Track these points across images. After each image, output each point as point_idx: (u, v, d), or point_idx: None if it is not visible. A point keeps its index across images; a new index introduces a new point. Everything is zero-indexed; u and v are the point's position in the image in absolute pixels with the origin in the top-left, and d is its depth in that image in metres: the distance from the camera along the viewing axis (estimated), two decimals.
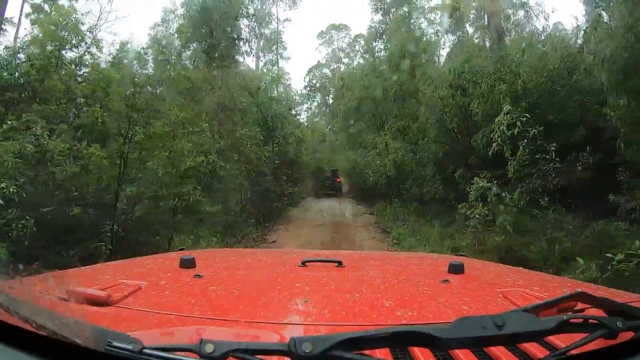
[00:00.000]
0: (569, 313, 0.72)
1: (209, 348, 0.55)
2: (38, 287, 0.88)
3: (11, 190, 3.52)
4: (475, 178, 6.06)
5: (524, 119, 5.55)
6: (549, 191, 5.40)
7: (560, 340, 0.70)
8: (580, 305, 0.77)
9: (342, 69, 30.82)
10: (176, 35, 12.06)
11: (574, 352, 0.64)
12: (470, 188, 6.18)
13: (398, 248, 7.71)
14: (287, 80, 20.29)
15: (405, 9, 23.35)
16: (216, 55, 10.65)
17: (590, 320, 0.66)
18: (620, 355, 0.65)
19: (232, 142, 7.24)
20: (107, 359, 0.58)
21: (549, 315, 0.67)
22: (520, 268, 1.68)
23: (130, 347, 0.58)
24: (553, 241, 5.38)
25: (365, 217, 12.46)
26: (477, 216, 5.85)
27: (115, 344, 0.58)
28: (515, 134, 5.49)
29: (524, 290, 1.08)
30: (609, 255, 3.96)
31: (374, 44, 24.48)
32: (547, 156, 5.49)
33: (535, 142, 5.47)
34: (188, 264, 1.25)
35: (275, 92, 14.04)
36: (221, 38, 10.97)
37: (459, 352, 0.68)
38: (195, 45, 10.94)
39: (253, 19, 14.89)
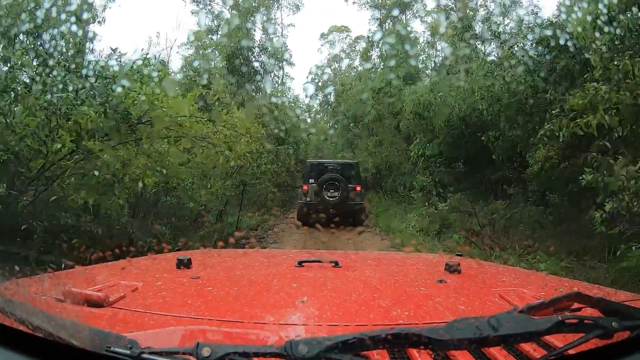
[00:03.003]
0: (565, 313, 0.73)
1: (205, 352, 0.57)
2: (34, 288, 0.94)
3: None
4: (417, 175, 10.10)
5: (423, 146, 9.69)
6: (445, 184, 9.52)
7: (557, 340, 0.72)
8: (576, 305, 0.78)
9: (342, 68, 34.51)
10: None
11: (570, 351, 0.66)
12: (415, 181, 10.25)
13: (376, 221, 11.72)
14: (296, 92, 22.99)
15: (398, 14, 26.59)
16: (246, 83, 14.73)
17: (586, 321, 0.67)
18: (617, 355, 0.66)
19: (276, 153, 11.35)
20: None
21: (544, 316, 0.69)
22: (517, 267, 1.89)
23: (128, 351, 0.59)
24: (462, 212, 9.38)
25: None
26: (419, 198, 9.94)
27: (113, 348, 0.60)
28: (419, 154, 9.65)
29: (520, 290, 1.13)
30: None
31: (371, 53, 28.20)
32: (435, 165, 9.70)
33: (429, 159, 9.61)
34: (184, 264, 1.29)
35: (287, 102, 18.07)
36: (250, 69, 15.00)
37: (455, 353, 0.70)
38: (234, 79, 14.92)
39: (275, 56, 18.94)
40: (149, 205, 5.76)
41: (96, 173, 3.93)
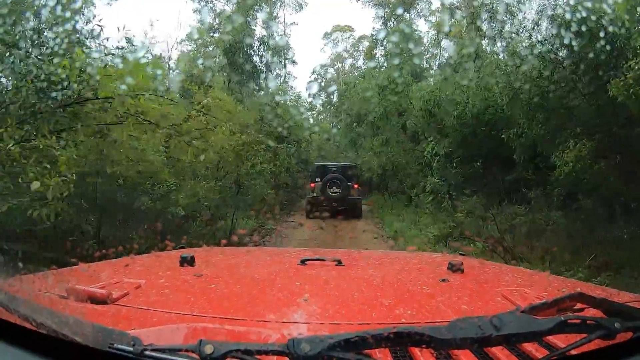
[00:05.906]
0: (568, 313, 0.73)
1: (208, 349, 0.57)
2: (37, 285, 0.94)
3: None
4: (429, 177, 9.30)
5: (438, 144, 8.90)
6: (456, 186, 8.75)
7: (559, 340, 0.71)
8: (579, 306, 0.78)
9: (345, 68, 33.91)
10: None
11: (572, 352, 0.66)
12: (426, 183, 9.45)
13: (382, 223, 10.99)
14: (298, 89, 22.40)
15: (402, 12, 26.00)
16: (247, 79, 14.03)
17: (589, 321, 0.66)
18: (619, 355, 0.66)
19: (275, 151, 10.76)
20: (107, 358, 0.60)
21: (547, 316, 0.68)
22: (520, 267, 1.86)
23: (131, 348, 0.59)
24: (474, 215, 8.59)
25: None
26: (429, 200, 9.16)
27: (116, 345, 0.60)
28: (433, 153, 8.84)
29: (523, 290, 1.12)
30: None
31: (375, 51, 27.53)
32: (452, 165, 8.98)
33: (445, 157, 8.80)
34: (188, 262, 1.29)
35: (288, 101, 17.30)
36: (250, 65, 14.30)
37: (458, 352, 0.70)
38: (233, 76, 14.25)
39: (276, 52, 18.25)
40: (119, 208, 4.99)
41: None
